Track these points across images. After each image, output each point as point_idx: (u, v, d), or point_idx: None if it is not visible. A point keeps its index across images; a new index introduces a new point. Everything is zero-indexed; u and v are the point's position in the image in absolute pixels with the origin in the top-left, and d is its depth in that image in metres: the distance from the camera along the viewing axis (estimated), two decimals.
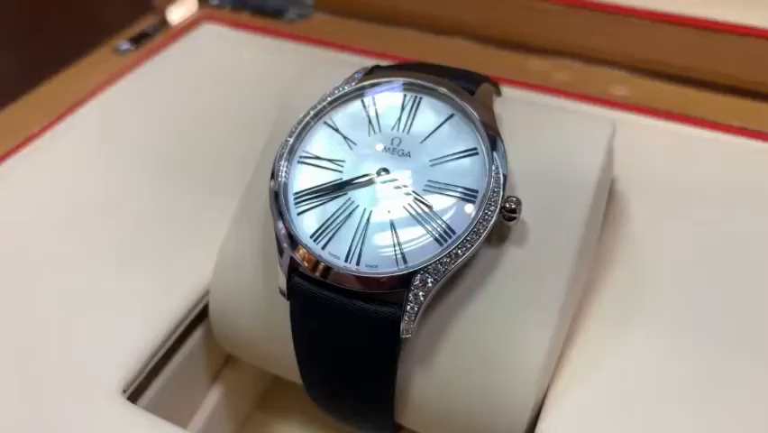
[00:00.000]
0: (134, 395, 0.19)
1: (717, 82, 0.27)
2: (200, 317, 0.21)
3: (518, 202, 0.16)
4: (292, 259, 0.17)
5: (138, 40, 0.31)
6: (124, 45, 0.31)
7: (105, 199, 0.23)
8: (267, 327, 0.19)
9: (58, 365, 0.19)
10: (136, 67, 0.30)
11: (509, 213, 0.16)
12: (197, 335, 0.21)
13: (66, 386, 0.18)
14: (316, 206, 0.17)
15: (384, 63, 0.20)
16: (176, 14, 0.33)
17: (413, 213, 0.16)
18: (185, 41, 0.32)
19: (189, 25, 0.33)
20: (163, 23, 0.33)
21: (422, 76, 0.18)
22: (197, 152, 0.25)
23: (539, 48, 0.29)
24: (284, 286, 0.17)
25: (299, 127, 0.18)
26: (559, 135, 0.19)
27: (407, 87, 0.18)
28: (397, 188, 0.17)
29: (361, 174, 0.17)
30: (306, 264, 0.16)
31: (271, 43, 0.32)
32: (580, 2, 0.29)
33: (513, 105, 0.19)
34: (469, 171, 0.16)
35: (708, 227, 0.21)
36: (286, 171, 0.18)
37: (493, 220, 0.16)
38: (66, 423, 0.18)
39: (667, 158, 0.23)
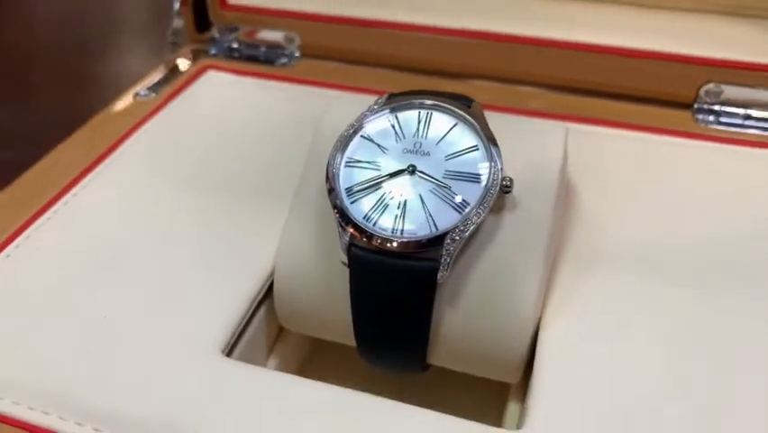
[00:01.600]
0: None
1: (616, 93, 0.35)
2: (263, 299, 0.26)
3: (511, 180, 0.23)
4: (351, 235, 0.23)
5: (155, 87, 0.37)
6: (144, 92, 0.36)
7: (168, 216, 0.28)
8: (326, 298, 0.25)
9: (170, 335, 0.24)
10: (159, 110, 0.35)
11: (506, 188, 0.23)
12: (260, 313, 0.26)
13: (179, 349, 0.23)
14: (364, 196, 0.23)
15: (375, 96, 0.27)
16: (182, 65, 0.39)
17: (437, 193, 0.23)
18: (195, 86, 0.37)
19: (196, 73, 0.38)
20: (173, 71, 0.38)
21: (429, 97, 0.25)
22: (235, 175, 0.31)
23: (468, 74, 0.37)
24: (345, 258, 0.23)
25: (343, 140, 0.24)
26: (527, 136, 0.26)
27: (420, 106, 0.24)
28: (423, 178, 0.23)
29: (395, 170, 0.23)
30: (362, 238, 0.22)
31: (269, 84, 0.38)
32: (495, 36, 0.37)
33: (488, 117, 0.26)
34: (474, 162, 0.23)
35: (635, 201, 0.29)
36: (336, 173, 0.24)
37: (495, 194, 0.23)
38: (180, 378, 0.22)
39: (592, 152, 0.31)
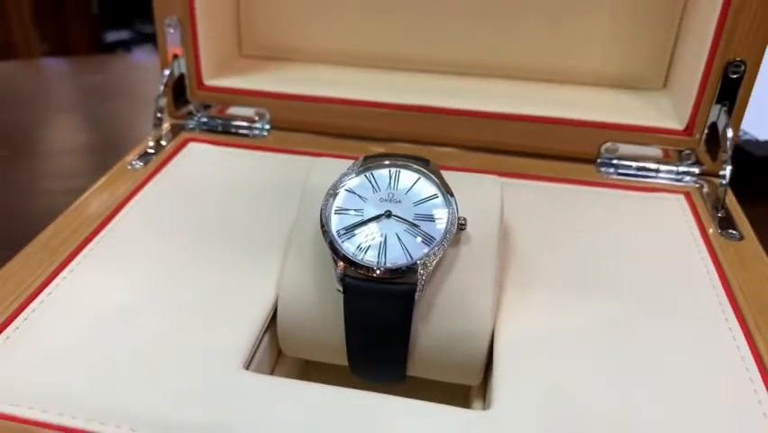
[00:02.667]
0: None
1: (533, 152, 0.43)
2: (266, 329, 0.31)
3: (465, 220, 0.29)
4: (344, 267, 0.28)
5: (143, 158, 0.42)
6: (136, 162, 0.41)
7: (175, 269, 0.33)
8: (323, 324, 0.30)
9: (196, 355, 0.28)
10: (150, 178, 0.40)
11: (461, 226, 0.29)
12: (264, 341, 0.31)
13: (208, 365, 0.28)
14: (352, 236, 0.29)
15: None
16: (165, 138, 0.44)
17: (409, 232, 0.29)
18: (179, 156, 0.43)
19: (180, 145, 0.44)
20: (159, 144, 0.43)
21: (396, 158, 0.31)
22: (227, 230, 0.36)
23: (408, 139, 0.44)
24: (340, 286, 0.29)
25: (332, 193, 0.30)
26: (473, 185, 0.32)
27: (390, 165, 0.31)
28: (397, 220, 0.29)
29: (375, 215, 0.30)
30: (353, 269, 0.28)
31: (245, 152, 0.43)
32: (429, 109, 0.44)
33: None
34: (436, 206, 0.30)
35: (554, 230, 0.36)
36: (328, 218, 0.30)
37: (454, 231, 0.29)
38: (211, 390, 0.27)
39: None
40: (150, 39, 2.10)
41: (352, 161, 0.32)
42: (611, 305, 0.31)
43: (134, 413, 0.25)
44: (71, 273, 0.32)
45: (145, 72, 0.85)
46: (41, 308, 0.30)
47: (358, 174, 0.31)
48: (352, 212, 0.30)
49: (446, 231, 0.29)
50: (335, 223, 0.30)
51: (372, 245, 0.29)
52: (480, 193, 0.32)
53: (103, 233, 0.35)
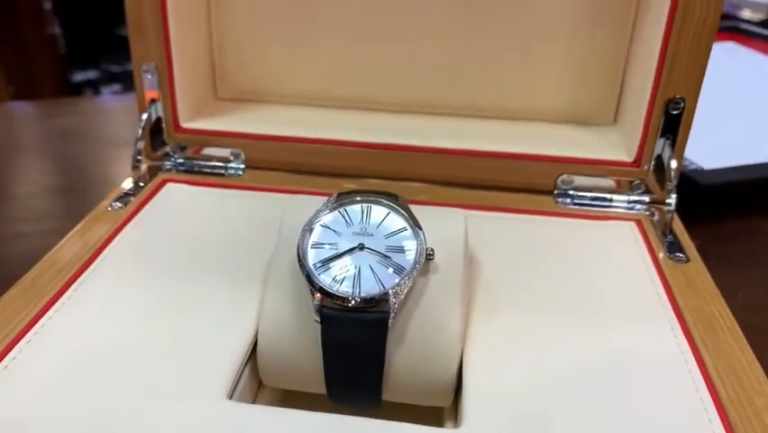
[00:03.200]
0: None
1: (494, 185, 0.46)
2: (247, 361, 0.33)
3: (433, 250, 0.32)
4: (321, 299, 0.30)
5: (123, 199, 0.43)
6: (115, 204, 0.43)
7: (159, 305, 0.35)
8: (302, 353, 0.32)
9: (183, 387, 0.30)
10: (131, 218, 0.42)
11: (429, 256, 0.32)
12: (246, 371, 0.33)
13: (190, 396, 0.29)
14: (328, 268, 0.31)
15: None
16: (143, 180, 0.46)
17: (381, 263, 0.31)
18: (159, 196, 0.44)
19: (158, 186, 0.45)
20: (137, 185, 0.45)
21: (367, 194, 0.34)
22: (208, 267, 0.37)
23: (377, 175, 0.46)
24: (317, 317, 0.30)
25: (308, 228, 0.32)
26: (439, 218, 0.35)
27: (361, 201, 0.33)
28: (370, 252, 0.32)
29: (349, 248, 0.32)
30: (330, 300, 0.30)
31: (221, 191, 0.45)
32: (397, 147, 0.46)
33: None
34: (406, 238, 0.32)
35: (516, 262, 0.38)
36: (305, 253, 0.32)
37: (423, 261, 0.31)
38: (196, 420, 0.28)
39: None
40: (119, 78, 2.11)
41: (325, 198, 0.34)
42: (572, 326, 0.34)
43: None
44: (56, 313, 0.34)
45: (113, 115, 0.86)
46: (27, 348, 0.31)
47: (332, 210, 0.33)
48: (327, 246, 0.32)
49: (416, 261, 0.31)
50: (312, 257, 0.32)
51: (347, 277, 0.31)
52: (446, 225, 0.35)
53: (86, 273, 0.36)
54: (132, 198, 0.43)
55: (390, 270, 0.31)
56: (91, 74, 1.96)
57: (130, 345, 0.32)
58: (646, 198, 0.45)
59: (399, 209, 0.33)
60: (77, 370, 0.30)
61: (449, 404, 0.33)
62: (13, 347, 0.31)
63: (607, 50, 0.47)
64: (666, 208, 0.43)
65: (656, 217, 0.44)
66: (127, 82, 2.37)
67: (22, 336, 0.32)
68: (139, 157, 0.46)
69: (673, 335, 0.33)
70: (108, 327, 0.33)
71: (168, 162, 0.48)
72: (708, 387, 0.30)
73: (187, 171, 0.47)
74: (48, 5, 1.80)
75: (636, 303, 0.35)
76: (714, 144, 0.63)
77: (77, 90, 1.89)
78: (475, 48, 0.48)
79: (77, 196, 0.62)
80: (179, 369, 0.31)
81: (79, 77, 1.94)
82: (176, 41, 0.44)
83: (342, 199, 0.34)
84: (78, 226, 0.40)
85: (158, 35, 0.44)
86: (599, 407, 0.29)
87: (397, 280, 0.31)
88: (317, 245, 0.32)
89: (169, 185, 0.45)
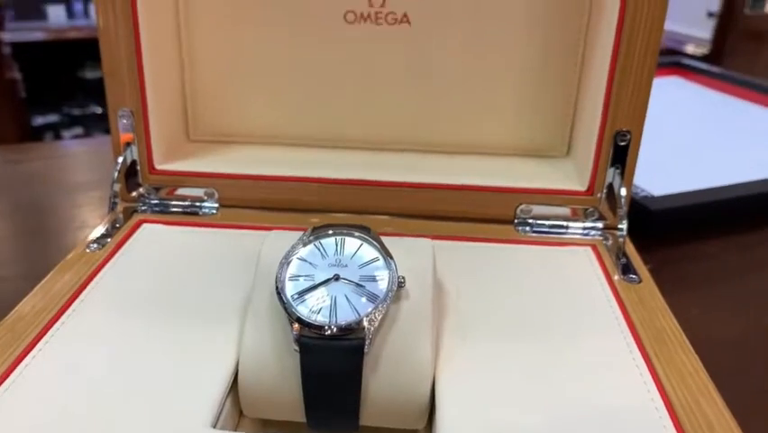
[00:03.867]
0: None
1: (458, 217, 0.49)
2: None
3: (404, 278, 0.34)
4: (299, 328, 0.32)
5: (100, 240, 0.44)
6: (93, 246, 0.44)
7: (141, 343, 0.36)
8: (282, 383, 0.33)
9: (167, 417, 0.31)
10: (109, 259, 0.43)
11: (401, 284, 0.34)
12: (227, 403, 0.34)
13: (175, 427, 0.30)
14: (306, 299, 0.33)
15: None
16: (119, 222, 0.47)
17: (356, 292, 0.33)
18: (136, 237, 0.45)
19: (134, 227, 0.46)
20: (114, 226, 0.46)
21: (340, 227, 0.36)
22: (188, 304, 0.39)
23: (346, 210, 0.48)
24: (296, 346, 0.32)
25: (286, 261, 0.34)
26: (408, 248, 0.37)
27: (335, 234, 0.35)
28: (345, 282, 0.34)
29: (325, 279, 0.34)
30: (308, 329, 0.32)
31: (197, 230, 0.47)
32: (363, 182, 0.49)
33: None
34: (378, 268, 0.34)
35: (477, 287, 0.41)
36: (283, 285, 0.33)
37: (395, 288, 0.33)
38: None
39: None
40: (79, 121, 2.11)
41: (300, 233, 0.36)
42: (537, 345, 0.36)
43: None
44: (39, 353, 0.34)
45: (74, 159, 0.87)
46: (12, 388, 0.32)
47: (307, 243, 0.35)
48: (304, 278, 0.34)
49: (388, 289, 0.33)
50: (289, 289, 0.33)
51: (324, 307, 0.33)
52: (415, 254, 0.37)
53: (67, 313, 0.37)
54: (108, 240, 0.44)
55: (364, 298, 0.33)
56: (52, 118, 1.96)
57: (112, 383, 0.33)
58: (600, 225, 0.48)
59: (371, 240, 0.35)
60: (60, 411, 0.31)
61: (423, 426, 0.35)
62: None
63: (558, 87, 0.51)
64: (618, 233, 0.46)
65: (610, 242, 0.47)
66: (89, 125, 2.36)
67: (5, 379, 0.33)
68: (115, 199, 0.47)
69: (629, 349, 0.36)
70: (91, 366, 0.34)
71: (142, 203, 0.49)
72: (662, 396, 0.32)
73: (162, 212, 0.48)
74: (7, 50, 1.80)
75: (595, 321, 0.38)
76: (663, 172, 0.67)
77: (38, 134, 1.88)
78: (433, 87, 0.51)
79: (45, 240, 0.63)
80: (162, 402, 0.32)
81: (40, 120, 1.93)
82: (150, 85, 0.46)
83: (317, 233, 0.36)
84: (56, 269, 0.41)
85: (133, 81, 0.46)
86: (568, 419, 0.31)
87: (371, 308, 0.32)
88: (294, 278, 0.34)
89: (145, 225, 0.47)
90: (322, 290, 0.33)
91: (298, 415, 0.33)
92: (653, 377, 0.34)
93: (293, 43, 0.50)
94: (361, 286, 0.33)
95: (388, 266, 0.34)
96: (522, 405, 0.32)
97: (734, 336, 0.44)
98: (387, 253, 0.35)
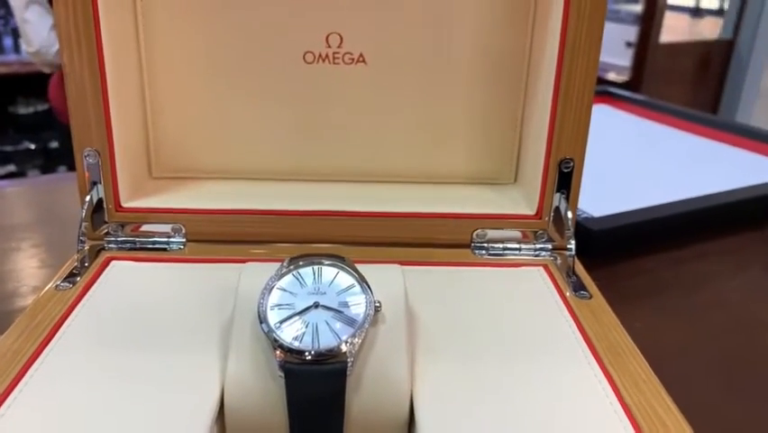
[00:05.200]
0: None
1: (416, 243, 0.51)
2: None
3: (380, 303, 0.36)
4: (285, 355, 0.34)
5: (70, 279, 0.45)
6: (63, 284, 0.44)
7: (123, 376, 0.36)
8: (267, 407, 0.34)
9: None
10: (81, 297, 0.43)
11: (377, 308, 0.36)
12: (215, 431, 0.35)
13: None
14: (288, 326, 0.35)
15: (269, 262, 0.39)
16: (87, 260, 0.47)
17: (336, 318, 0.35)
18: (106, 274, 0.46)
19: (103, 264, 0.47)
20: (83, 265, 0.46)
21: (316, 257, 0.38)
22: (165, 336, 0.40)
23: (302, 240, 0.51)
24: (281, 372, 0.34)
25: (267, 292, 0.36)
26: (381, 274, 0.39)
27: (311, 263, 0.37)
28: (324, 309, 0.35)
29: (305, 307, 0.35)
30: (291, 355, 0.34)
31: (167, 265, 0.48)
32: (319, 212, 0.51)
33: None
34: (355, 294, 0.36)
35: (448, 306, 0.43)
36: (265, 314, 0.35)
37: (372, 312, 0.36)
38: None
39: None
40: (11, 158, 2.04)
41: (273, 264, 0.38)
42: (503, 362, 0.39)
43: None
44: (21, 393, 0.35)
45: (8, 201, 0.85)
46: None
47: (285, 274, 0.37)
48: (285, 306, 0.36)
49: (366, 314, 0.35)
50: (272, 318, 0.35)
51: (306, 333, 0.35)
52: (387, 279, 0.39)
53: (45, 352, 0.38)
54: (78, 279, 0.45)
55: (344, 324, 0.35)
56: None
57: (100, 418, 0.33)
58: (549, 246, 0.52)
59: (347, 268, 0.37)
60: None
61: None
62: None
63: (504, 121, 0.54)
64: (567, 253, 0.50)
65: (559, 261, 0.50)
66: (22, 162, 2.29)
67: None
68: (82, 238, 0.47)
69: (587, 361, 0.39)
70: (75, 402, 0.34)
71: (109, 241, 0.49)
72: (620, 400, 0.36)
73: (130, 249, 0.49)
74: None
75: (554, 335, 0.41)
76: (600, 195, 0.72)
77: None
78: (389, 121, 0.54)
79: None
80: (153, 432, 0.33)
81: None
82: (116, 124, 0.47)
83: (294, 263, 0.38)
84: (29, 308, 0.41)
85: (99, 120, 0.47)
86: (538, 426, 0.34)
87: (351, 332, 0.34)
88: (276, 307, 0.36)
89: (114, 263, 0.47)
90: (303, 318, 0.35)
91: None
92: (610, 384, 0.37)
93: (254, 82, 0.52)
94: (340, 312, 0.35)
95: (365, 292, 0.36)
96: (493, 416, 0.35)
97: (674, 346, 0.48)
98: (362, 280, 0.37)
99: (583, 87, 0.48)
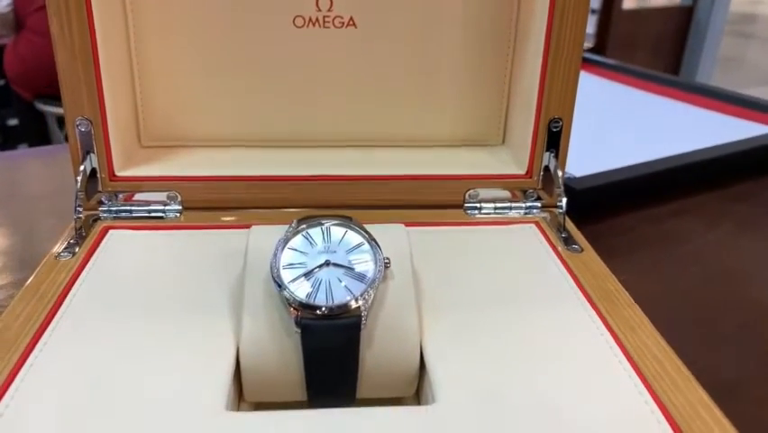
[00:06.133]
0: None
1: (414, 204, 0.53)
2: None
3: (389, 259, 0.37)
4: (299, 311, 0.35)
5: (69, 249, 0.45)
6: (64, 254, 0.44)
7: (136, 338, 0.37)
8: (283, 365, 0.35)
9: (182, 403, 0.32)
10: (84, 265, 0.43)
11: (387, 264, 0.37)
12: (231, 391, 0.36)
13: (194, 412, 0.32)
14: (301, 284, 0.35)
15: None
16: (84, 230, 0.47)
17: (347, 274, 0.36)
18: (105, 243, 0.46)
19: (101, 234, 0.47)
20: (80, 235, 0.46)
21: (324, 218, 0.38)
22: (175, 299, 0.40)
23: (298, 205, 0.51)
24: (297, 328, 0.34)
25: (278, 252, 0.36)
26: (386, 232, 0.40)
27: (320, 224, 0.38)
28: (336, 266, 0.36)
29: (317, 265, 0.36)
30: (307, 311, 0.34)
31: (165, 232, 0.48)
32: (315, 177, 0.52)
33: None
34: (365, 251, 0.37)
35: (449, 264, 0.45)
36: (278, 273, 0.36)
37: (383, 268, 0.37)
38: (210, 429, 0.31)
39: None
40: None
41: (277, 226, 0.39)
42: (505, 313, 0.40)
43: None
44: (38, 358, 0.35)
45: None
46: (18, 395, 0.33)
47: (295, 234, 0.38)
48: (297, 265, 0.36)
49: (377, 270, 0.36)
50: (286, 276, 0.36)
51: (320, 290, 0.35)
52: (392, 237, 0.40)
53: (56, 318, 0.38)
54: (77, 248, 0.45)
55: (356, 280, 0.36)
56: None
57: (114, 379, 0.34)
58: (539, 204, 0.53)
59: (355, 227, 0.38)
60: (72, 408, 0.32)
61: (412, 393, 0.38)
62: (2, 396, 0.32)
63: (492, 83, 0.55)
64: (558, 211, 0.51)
65: (549, 219, 0.52)
66: None
67: (7, 389, 0.33)
68: (79, 208, 0.47)
69: (584, 308, 0.41)
70: (91, 367, 0.35)
71: (104, 211, 0.49)
72: (616, 341, 0.37)
73: (125, 218, 0.49)
74: None
75: (550, 286, 0.43)
76: (579, 155, 0.73)
77: None
78: (379, 85, 0.54)
79: None
80: (174, 392, 0.33)
81: None
82: (108, 93, 0.47)
83: (304, 223, 0.38)
84: (31, 279, 0.41)
85: (91, 89, 0.46)
86: (542, 370, 0.35)
87: (364, 288, 0.35)
88: (288, 266, 0.36)
89: (112, 231, 0.47)
90: (316, 275, 0.36)
91: (298, 394, 0.36)
92: (608, 330, 0.39)
93: (244, 48, 0.52)
94: (351, 269, 0.36)
95: (374, 249, 0.37)
96: (499, 364, 0.36)
97: (655, 298, 0.51)
98: (371, 237, 0.38)
99: (572, 47, 0.49)
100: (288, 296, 0.35)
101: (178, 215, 0.50)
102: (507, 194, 0.53)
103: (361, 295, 0.35)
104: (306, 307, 0.35)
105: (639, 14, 2.71)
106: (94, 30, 0.45)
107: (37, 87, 1.91)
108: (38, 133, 2.13)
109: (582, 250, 0.47)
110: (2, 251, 0.61)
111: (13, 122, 2.41)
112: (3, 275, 0.56)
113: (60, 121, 1.90)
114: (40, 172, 0.86)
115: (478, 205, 0.53)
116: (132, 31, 0.51)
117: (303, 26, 0.52)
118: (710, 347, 0.50)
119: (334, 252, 0.37)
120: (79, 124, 0.47)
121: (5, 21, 1.71)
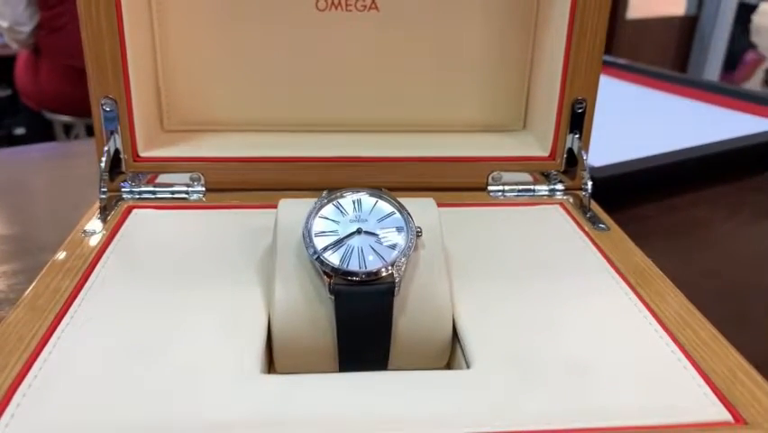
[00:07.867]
0: None
1: (441, 186, 0.52)
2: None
3: (420, 228, 0.37)
4: (332, 278, 0.34)
5: (93, 225, 0.44)
6: (89, 229, 0.44)
7: (169, 310, 0.36)
8: (315, 334, 0.35)
9: (221, 366, 0.32)
10: (109, 242, 0.43)
11: (419, 233, 0.37)
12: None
13: (234, 374, 0.32)
14: (334, 252, 0.35)
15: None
16: (109, 208, 0.47)
17: (380, 242, 0.36)
18: (129, 221, 0.46)
19: (125, 213, 0.47)
20: (105, 214, 0.46)
21: (354, 189, 0.38)
22: (204, 274, 0.40)
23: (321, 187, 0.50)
24: (331, 295, 0.34)
25: (309, 219, 0.36)
26: (417, 205, 0.40)
27: (351, 194, 0.38)
28: (368, 234, 0.36)
29: (349, 233, 0.36)
30: (340, 278, 0.34)
31: (190, 212, 0.48)
32: (340, 159, 0.52)
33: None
34: (397, 221, 0.37)
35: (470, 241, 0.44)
36: (311, 241, 0.35)
37: (414, 237, 0.36)
38: (250, 391, 0.31)
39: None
40: None
41: (306, 200, 0.39)
42: (536, 285, 0.40)
43: (180, 416, 0.29)
44: (69, 325, 0.35)
45: None
46: (51, 359, 0.32)
47: (326, 204, 0.37)
48: (330, 233, 0.36)
49: (409, 238, 0.36)
50: (318, 244, 0.36)
51: (353, 257, 0.35)
52: (422, 209, 0.40)
53: (86, 288, 0.38)
54: (103, 226, 0.44)
55: (389, 247, 0.36)
56: None
57: (146, 349, 0.33)
58: (562, 186, 0.53)
59: (386, 197, 0.38)
60: (111, 368, 0.32)
61: (443, 364, 0.38)
62: (34, 361, 0.32)
63: (514, 67, 0.55)
64: (582, 193, 0.51)
65: (572, 200, 0.52)
66: None
67: (40, 352, 0.33)
68: (104, 188, 0.47)
69: (615, 280, 0.40)
70: (125, 335, 0.34)
71: (127, 191, 0.49)
72: (649, 311, 0.37)
73: (148, 199, 0.49)
74: None
75: (580, 261, 0.42)
76: (597, 146, 0.73)
77: None
78: (400, 69, 0.54)
79: None
80: (211, 355, 0.33)
81: None
82: (133, 74, 0.47)
83: (334, 194, 0.38)
84: (57, 255, 0.41)
85: (116, 69, 0.46)
86: (577, 337, 0.35)
87: (396, 254, 0.35)
88: (320, 234, 0.36)
89: (136, 211, 0.47)
90: (348, 243, 0.36)
91: (330, 365, 0.35)
92: (640, 300, 0.38)
93: (266, 31, 0.52)
94: (383, 237, 0.36)
95: (405, 218, 0.37)
96: (534, 333, 0.36)
97: (680, 277, 0.50)
98: (402, 207, 0.37)
99: (596, 28, 0.49)
100: (321, 261, 0.35)
101: (201, 196, 0.50)
102: (529, 178, 0.53)
103: (394, 262, 0.35)
104: (340, 273, 0.34)
105: (643, 24, 2.73)
106: (120, 9, 0.45)
107: (50, 106, 1.90)
108: (45, 141, 2.13)
109: (609, 228, 0.47)
110: (4, 239, 0.61)
111: (20, 130, 2.42)
112: (6, 264, 0.56)
113: (68, 129, 1.90)
114: (41, 165, 0.86)
115: (502, 187, 0.53)
116: (155, 14, 0.51)
117: (325, 9, 0.52)
118: (739, 328, 0.50)
119: (366, 220, 0.37)
120: (104, 104, 0.47)
121: (16, 38, 1.70)
